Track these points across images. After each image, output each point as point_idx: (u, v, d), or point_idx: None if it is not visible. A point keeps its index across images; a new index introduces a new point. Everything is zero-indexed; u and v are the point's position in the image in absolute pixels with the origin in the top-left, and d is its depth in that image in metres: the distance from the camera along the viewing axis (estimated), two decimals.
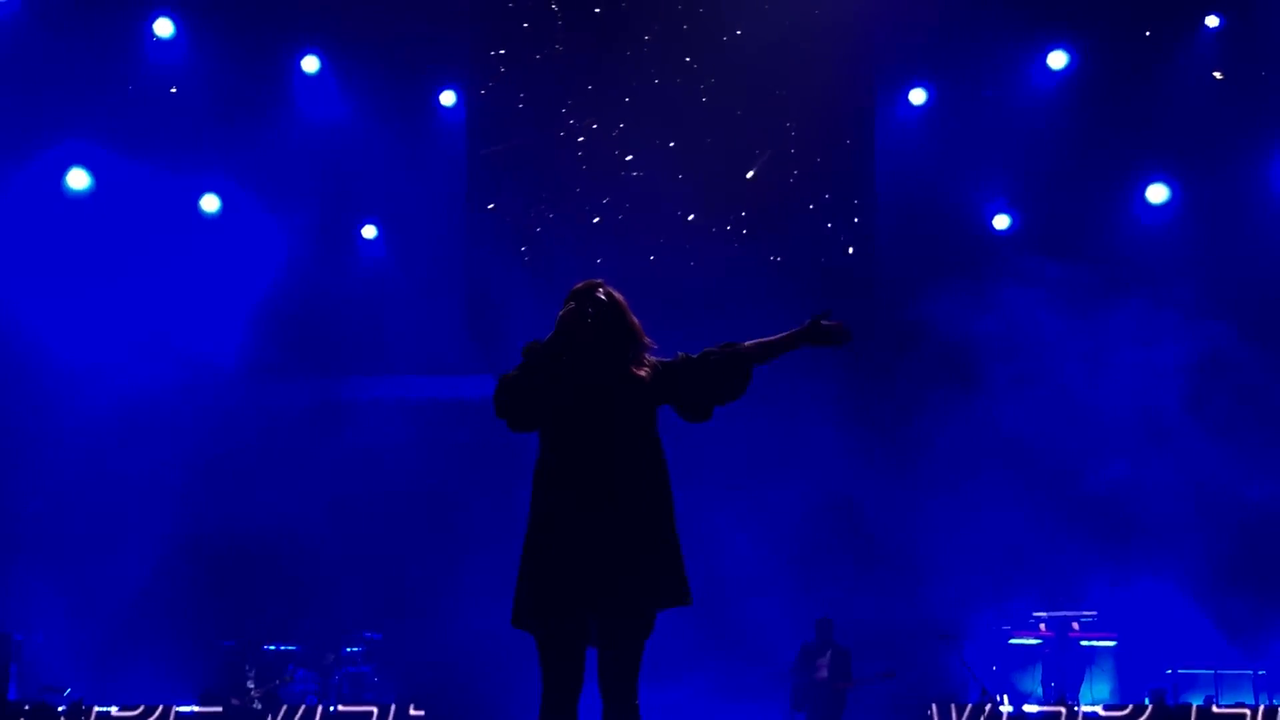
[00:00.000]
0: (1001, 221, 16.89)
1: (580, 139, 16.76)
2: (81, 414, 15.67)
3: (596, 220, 16.65)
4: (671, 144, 16.59)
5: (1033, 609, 15.00)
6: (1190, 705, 13.42)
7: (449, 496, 16.30)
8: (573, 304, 5.40)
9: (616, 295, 5.50)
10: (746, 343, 5.53)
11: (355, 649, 15.22)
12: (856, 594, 15.25)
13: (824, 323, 5.52)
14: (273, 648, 15.33)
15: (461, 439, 16.45)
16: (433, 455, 16.51)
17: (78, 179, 16.37)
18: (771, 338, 5.55)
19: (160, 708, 13.58)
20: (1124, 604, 15.00)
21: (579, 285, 5.51)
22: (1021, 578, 15.43)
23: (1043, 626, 14.98)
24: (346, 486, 16.26)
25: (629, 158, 16.62)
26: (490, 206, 16.82)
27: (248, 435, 16.35)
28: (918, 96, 16.90)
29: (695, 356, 5.47)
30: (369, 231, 17.38)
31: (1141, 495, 15.40)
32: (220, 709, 13.64)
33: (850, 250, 16.69)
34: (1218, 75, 16.17)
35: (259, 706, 13.78)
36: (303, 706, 13.33)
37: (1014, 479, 15.73)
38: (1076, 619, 14.83)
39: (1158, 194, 16.54)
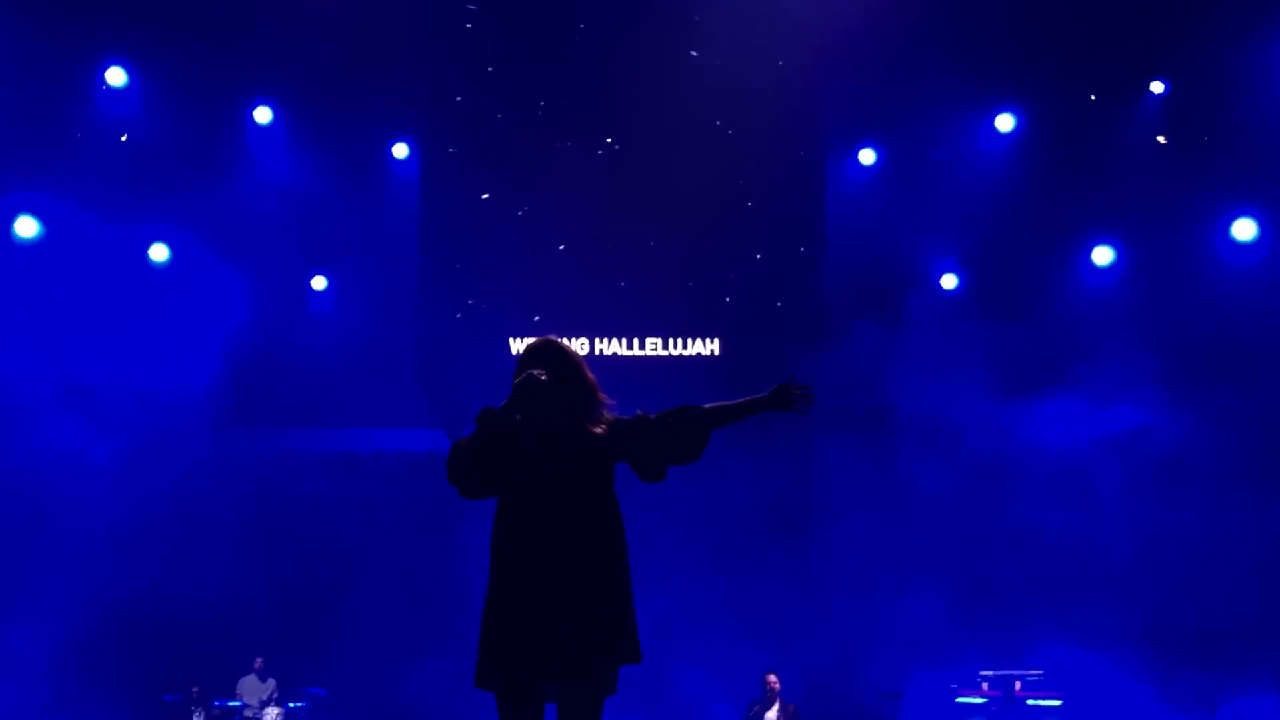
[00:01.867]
0: (949, 281, 17.05)
1: (532, 192, 16.80)
2: (22, 462, 15.47)
3: (548, 274, 16.67)
4: (624, 199, 16.66)
5: (979, 667, 15.00)
6: None
7: (397, 550, 16.19)
8: (529, 366, 5.38)
9: (571, 353, 5.50)
10: (706, 405, 5.51)
11: (300, 705, 15.06)
12: (801, 651, 15.24)
13: (790, 386, 5.51)
14: (217, 704, 15.15)
15: (410, 492, 16.38)
16: (381, 508, 16.42)
17: (26, 227, 16.26)
18: (733, 402, 5.54)
19: None
20: (1070, 664, 15.02)
21: (533, 343, 5.51)
22: (967, 635, 15.44)
23: (985, 685, 14.98)
24: (293, 539, 16.13)
25: (583, 211, 16.68)
26: (449, 263, 16.80)
27: (194, 486, 16.20)
28: (867, 157, 17.07)
29: (653, 417, 5.46)
30: (319, 283, 17.32)
31: (1088, 556, 15.50)
32: None
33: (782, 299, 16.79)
34: (1161, 139, 16.40)
35: None
36: None
37: (956, 536, 15.82)
38: (1021, 678, 14.84)
39: (1103, 256, 16.74)
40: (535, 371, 5.33)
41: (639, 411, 5.52)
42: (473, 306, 16.69)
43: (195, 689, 15.05)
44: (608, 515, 5.33)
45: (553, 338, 5.56)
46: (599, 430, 5.41)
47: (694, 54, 16.41)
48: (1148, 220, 16.35)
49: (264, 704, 15.19)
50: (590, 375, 5.48)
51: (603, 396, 5.48)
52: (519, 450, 5.32)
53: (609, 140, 16.67)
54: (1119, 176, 16.26)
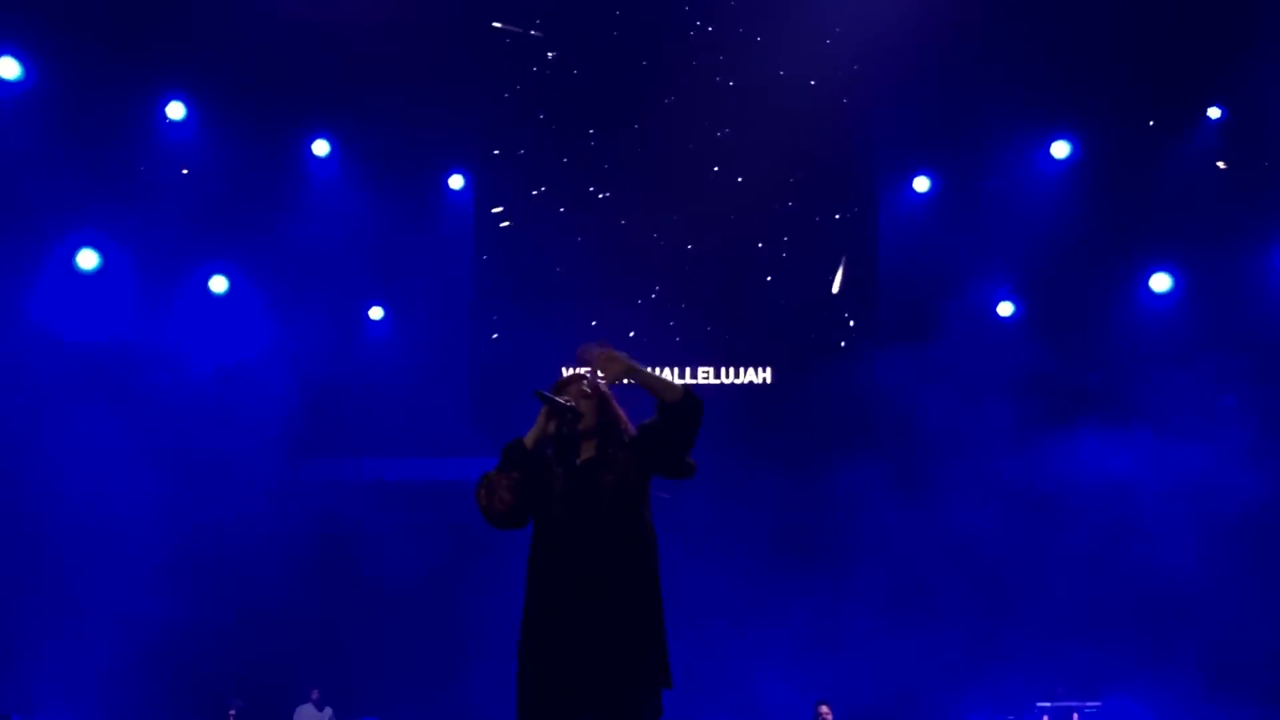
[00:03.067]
0: (1005, 309, 16.96)
1: (587, 222, 16.87)
2: (86, 495, 15.63)
3: (602, 304, 16.72)
4: (677, 228, 16.71)
5: (1036, 699, 14.87)
6: None
7: (452, 579, 16.24)
8: (564, 398, 5.44)
9: (602, 387, 5.54)
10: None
11: None
12: (855, 685, 15.15)
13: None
14: None
15: (465, 521, 16.39)
16: (436, 537, 16.48)
17: (87, 259, 16.46)
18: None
19: None
20: (1129, 695, 14.87)
21: (565, 378, 5.58)
22: (1023, 666, 15.32)
23: (1045, 718, 14.84)
24: (348, 568, 16.22)
25: (638, 237, 16.75)
26: (511, 292, 16.89)
27: (251, 515, 16.33)
28: (922, 184, 17.03)
29: (650, 432, 5.45)
30: (376, 313, 17.45)
31: (1149, 587, 15.33)
32: None
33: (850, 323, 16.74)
34: (1221, 165, 16.27)
35: None
36: None
37: (1016, 566, 15.71)
38: (1080, 709, 14.70)
39: (1161, 283, 16.62)
40: (567, 403, 5.39)
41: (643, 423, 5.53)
42: (497, 340, 16.77)
43: (232, 712, 15.11)
44: (640, 546, 5.36)
45: (583, 372, 5.60)
46: (628, 457, 5.43)
47: (781, 73, 16.42)
48: (1206, 246, 16.20)
49: None
50: (618, 410, 5.53)
51: (631, 430, 5.52)
52: (549, 482, 5.37)
53: (662, 168, 16.70)
54: (1176, 202, 16.14)
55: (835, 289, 16.64)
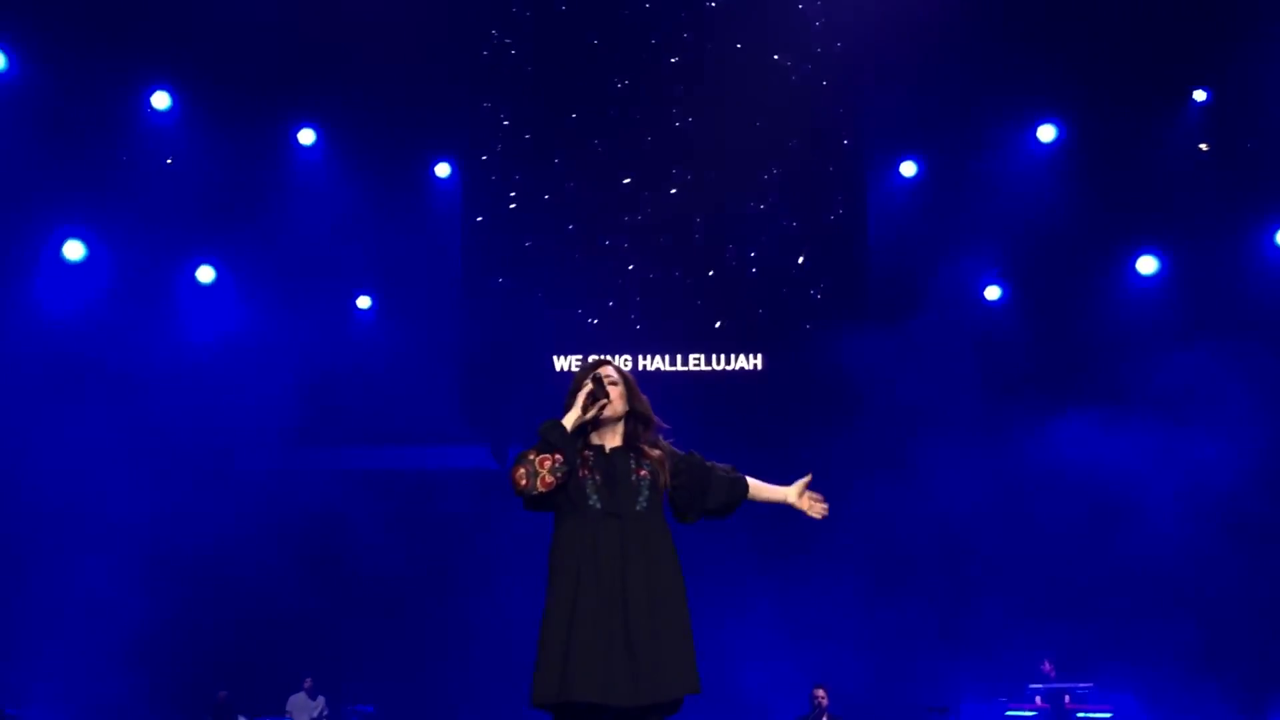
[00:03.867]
0: (992, 292, 17.00)
1: (575, 209, 16.86)
2: (74, 486, 15.61)
3: (601, 297, 16.71)
4: (666, 216, 16.70)
5: (1028, 680, 14.92)
6: None
7: (441, 566, 16.26)
8: (587, 384, 5.41)
9: (628, 376, 5.54)
10: (748, 478, 5.61)
11: None
12: (849, 667, 15.21)
13: (807, 492, 5.65)
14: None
15: (455, 509, 16.45)
16: (426, 525, 16.50)
17: (73, 249, 16.42)
18: (768, 486, 5.65)
19: None
20: (1120, 675, 14.93)
21: (589, 364, 5.54)
22: (1016, 649, 15.38)
23: (1038, 699, 14.90)
24: (338, 556, 16.23)
25: (624, 218, 16.73)
26: (494, 280, 16.87)
27: (240, 505, 16.32)
28: (909, 169, 17.05)
29: (705, 465, 5.51)
30: (363, 302, 17.44)
31: (1138, 570, 15.41)
32: None
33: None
34: (1204, 147, 16.31)
35: None
36: None
37: (1004, 550, 15.77)
38: (1071, 690, 14.76)
39: (1147, 265, 16.67)
40: (602, 391, 5.37)
41: (693, 452, 5.55)
42: (507, 332, 16.76)
43: (222, 694, 15.12)
44: (666, 538, 5.35)
45: (607, 358, 5.60)
46: (657, 454, 5.44)
47: (776, 58, 16.42)
48: (1191, 229, 16.25)
49: None
50: (643, 397, 5.52)
51: (656, 419, 5.52)
52: (580, 465, 5.34)
53: (648, 149, 16.69)
54: (1162, 185, 16.17)
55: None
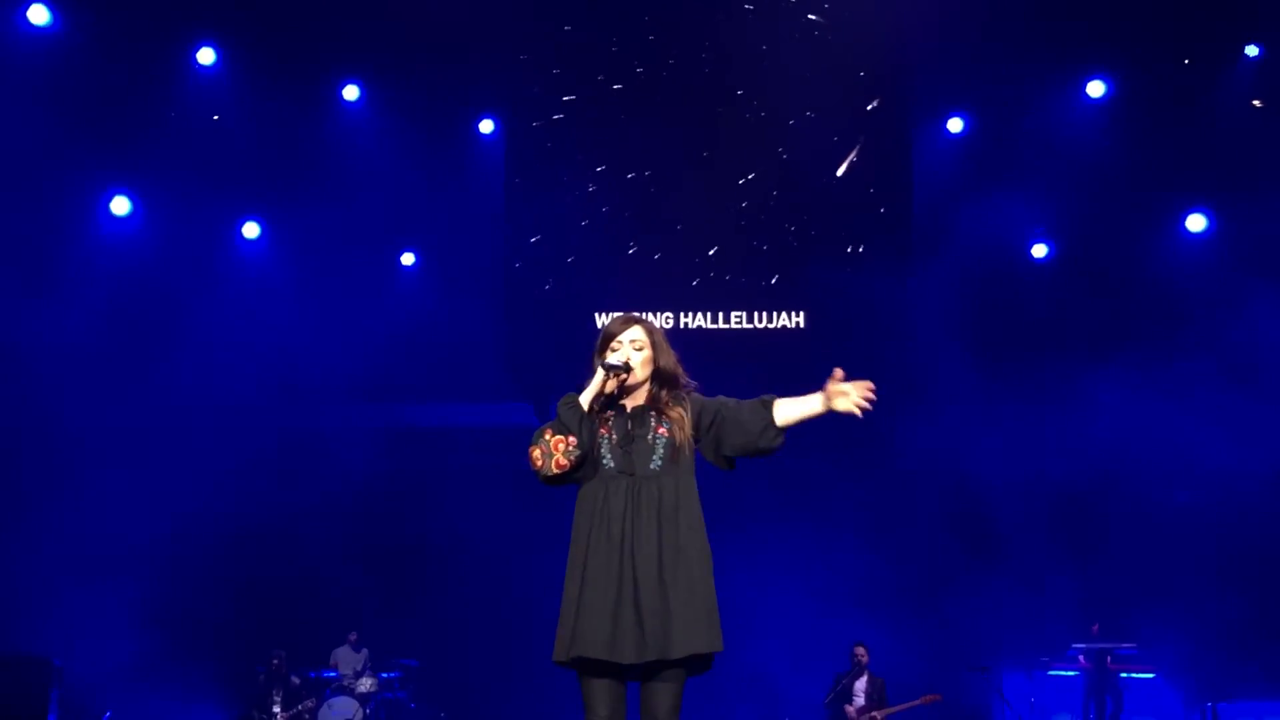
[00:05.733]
0: (1040, 250, 16.86)
1: (619, 166, 16.82)
2: (121, 436, 15.75)
3: (633, 249, 16.69)
4: (708, 172, 16.64)
5: (1071, 640, 14.89)
6: None
7: (485, 523, 16.32)
8: (615, 346, 5.40)
9: (657, 332, 5.51)
10: (781, 401, 5.43)
11: (393, 675, 15.25)
12: (888, 627, 15.22)
13: (837, 388, 5.36)
14: (312, 674, 15.39)
15: (498, 466, 16.49)
16: (469, 482, 16.56)
17: (120, 205, 16.53)
18: (798, 403, 5.43)
19: None
20: (1164, 636, 14.88)
21: (617, 322, 5.50)
22: (1059, 609, 15.34)
23: (1081, 659, 14.88)
24: (383, 513, 16.32)
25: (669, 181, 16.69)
26: (534, 239, 16.88)
27: (286, 462, 16.44)
28: (955, 125, 16.90)
29: (734, 406, 5.43)
30: (407, 259, 17.47)
31: (1183, 529, 15.32)
32: None
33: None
34: (1257, 104, 16.09)
35: None
36: None
37: (1045, 508, 15.71)
38: (1114, 651, 14.72)
39: (1196, 223, 16.49)
40: (624, 362, 5.34)
41: (721, 397, 5.50)
42: (550, 289, 16.74)
43: (275, 660, 15.24)
44: (684, 496, 5.33)
45: (636, 316, 5.56)
46: (677, 413, 5.40)
47: (824, 10, 16.30)
48: (1242, 186, 16.04)
49: (358, 674, 15.40)
50: (673, 355, 5.49)
51: (685, 377, 5.50)
52: (601, 432, 5.34)
53: (695, 107, 16.63)
54: (1213, 142, 15.96)
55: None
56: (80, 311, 15.56)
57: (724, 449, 5.44)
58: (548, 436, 5.27)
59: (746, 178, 16.67)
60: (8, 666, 13.91)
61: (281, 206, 16.91)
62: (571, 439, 5.26)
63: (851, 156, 15.82)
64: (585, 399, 5.32)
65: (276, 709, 14.72)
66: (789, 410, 5.43)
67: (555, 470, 5.26)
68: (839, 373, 5.40)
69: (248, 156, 16.56)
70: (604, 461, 5.31)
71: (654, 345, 5.44)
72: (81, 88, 15.71)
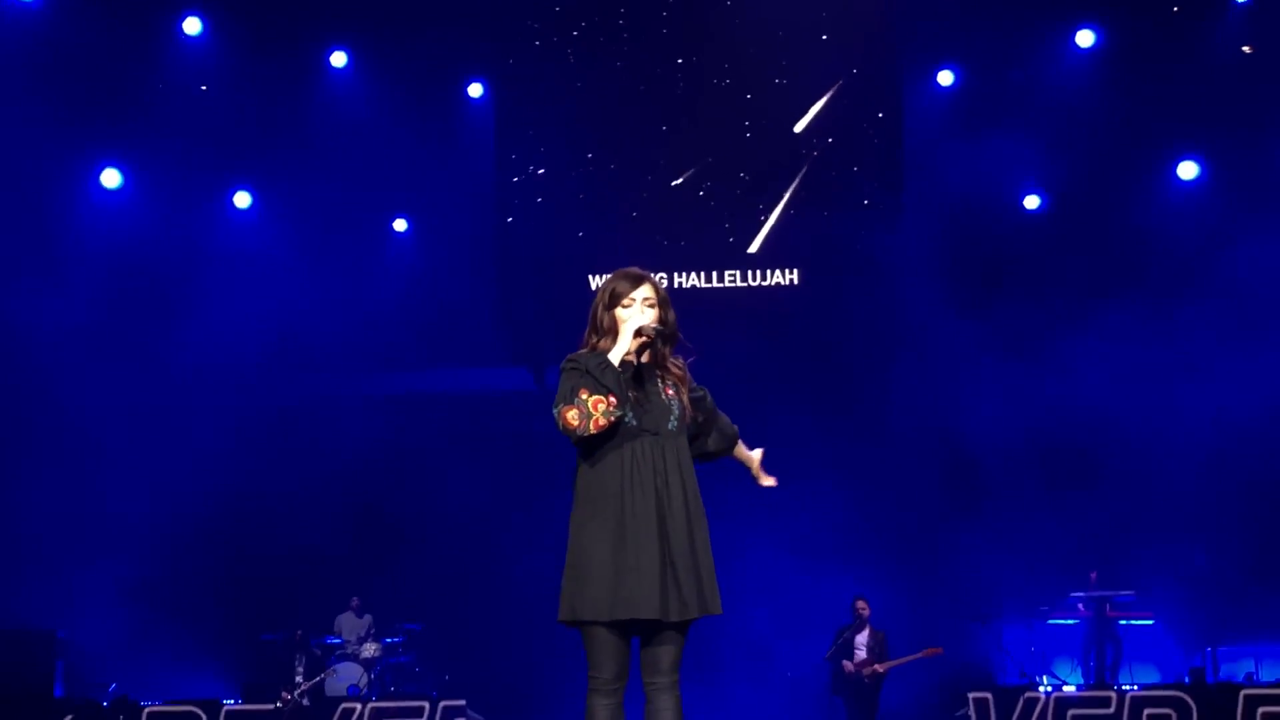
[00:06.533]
0: (1032, 201, 16.86)
1: (609, 124, 16.79)
2: (118, 410, 15.77)
3: (636, 215, 16.67)
4: (699, 129, 16.62)
5: (1070, 589, 14.98)
6: (1232, 683, 13.37)
7: (484, 488, 16.37)
8: (627, 304, 5.35)
9: (662, 289, 5.48)
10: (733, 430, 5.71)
11: (396, 640, 15.32)
12: (887, 581, 15.30)
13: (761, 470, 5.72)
14: (314, 641, 15.45)
15: (495, 430, 16.54)
16: (466, 448, 16.60)
17: (110, 177, 16.52)
18: (744, 448, 5.74)
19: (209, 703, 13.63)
20: (1161, 582, 14.97)
21: (625, 280, 5.41)
22: (1058, 558, 15.42)
23: (1080, 607, 14.97)
24: (382, 479, 16.36)
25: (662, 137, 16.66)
26: (525, 202, 16.86)
27: (287, 429, 16.49)
28: (945, 78, 16.87)
29: (714, 412, 5.59)
30: (399, 225, 17.46)
31: (1181, 476, 15.36)
32: (275, 704, 13.58)
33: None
34: (1247, 49, 16.05)
35: (307, 703, 13.82)
36: (359, 704, 13.34)
37: (1042, 457, 15.76)
38: (1113, 598, 14.81)
39: (1188, 171, 16.48)
40: (653, 325, 5.30)
41: (704, 390, 5.53)
42: (543, 252, 16.74)
43: (299, 632, 15.31)
44: (691, 464, 5.38)
45: (642, 271, 5.48)
46: (678, 373, 5.42)
47: None
48: (1233, 132, 16.03)
49: (361, 639, 15.46)
50: (673, 314, 5.47)
51: (684, 341, 5.50)
52: (628, 393, 5.27)
53: (683, 62, 16.59)
54: (1203, 89, 15.92)
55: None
56: (75, 287, 15.56)
57: (705, 444, 5.55)
58: (584, 396, 5.15)
59: (739, 134, 16.63)
60: (13, 640, 13.98)
61: (272, 176, 16.90)
62: (612, 399, 5.16)
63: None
64: (615, 357, 5.24)
65: (299, 678, 14.80)
66: (739, 451, 5.73)
67: (594, 430, 5.14)
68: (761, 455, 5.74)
69: (237, 126, 16.55)
70: (627, 419, 5.27)
71: (662, 303, 5.41)
72: (68, 61, 15.68)
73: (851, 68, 16.59)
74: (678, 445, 5.30)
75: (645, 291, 5.37)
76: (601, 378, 5.17)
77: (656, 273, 16.06)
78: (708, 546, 5.27)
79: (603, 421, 5.15)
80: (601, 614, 5.13)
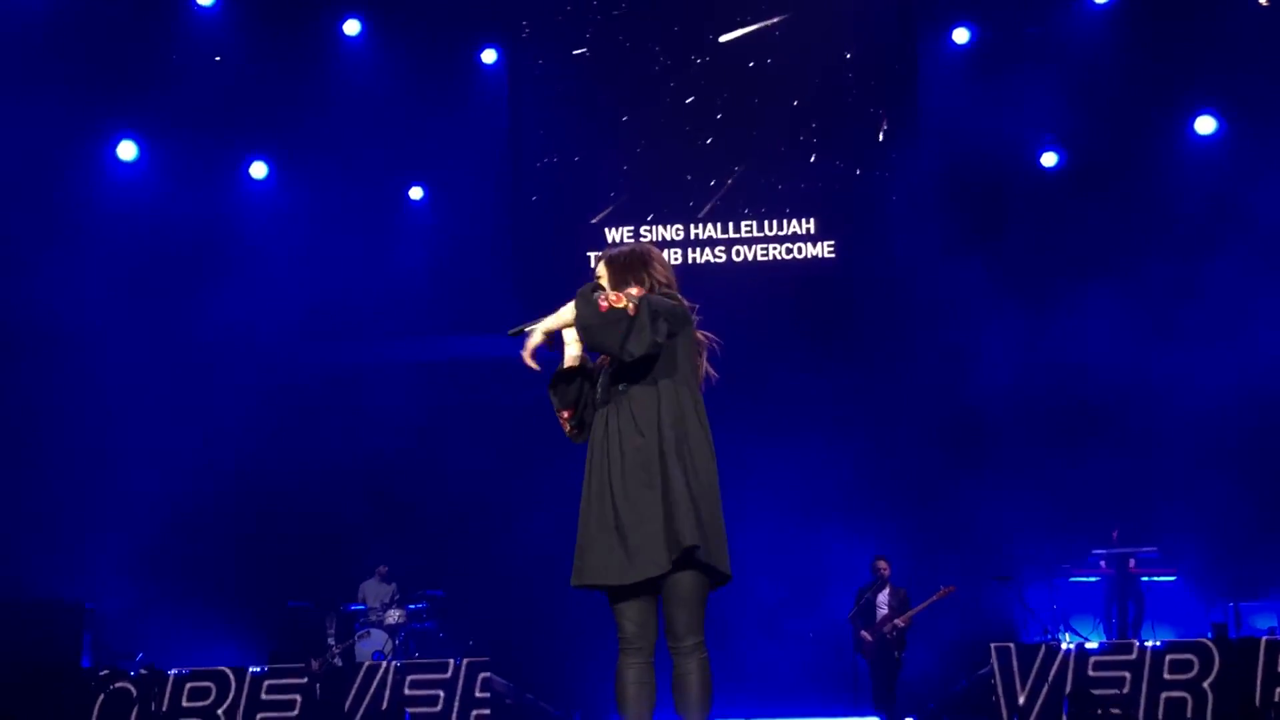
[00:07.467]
0: (1049, 159, 16.78)
1: (623, 91, 16.78)
2: (140, 381, 15.84)
3: (641, 160, 16.66)
4: (716, 84, 16.61)
5: (1092, 546, 14.96)
6: (1255, 638, 13.32)
7: (503, 455, 16.41)
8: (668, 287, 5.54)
9: (613, 267, 5.69)
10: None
11: (420, 606, 15.39)
12: (910, 539, 15.30)
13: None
14: (340, 608, 15.55)
15: (513, 397, 16.55)
16: (486, 415, 16.63)
17: (126, 150, 16.56)
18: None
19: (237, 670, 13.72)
20: (1184, 539, 14.93)
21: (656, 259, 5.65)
22: (1079, 516, 15.39)
23: (1102, 564, 14.95)
24: (403, 446, 16.40)
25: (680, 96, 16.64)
26: (541, 163, 16.86)
27: (306, 399, 16.53)
28: (961, 35, 16.78)
29: (640, 330, 5.47)
30: (415, 193, 17.46)
31: (1203, 432, 15.31)
32: (304, 668, 13.65)
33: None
34: (1264, 2, 15.92)
35: (339, 663, 13.92)
36: (383, 663, 13.39)
37: (1062, 415, 15.75)
38: (1135, 555, 14.78)
39: (1205, 126, 16.37)
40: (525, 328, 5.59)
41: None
42: (538, 204, 16.76)
43: (330, 598, 15.40)
44: (656, 410, 5.39)
45: (598, 270, 5.72)
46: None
47: None
48: (1251, 87, 15.91)
49: (386, 606, 15.54)
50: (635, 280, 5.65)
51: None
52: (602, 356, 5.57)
53: (698, 28, 16.56)
54: (1220, 44, 15.80)
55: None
56: (92, 260, 15.62)
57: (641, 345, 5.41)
58: (556, 410, 5.62)
59: (751, 99, 16.60)
60: (42, 611, 14.05)
61: (288, 145, 16.92)
62: (566, 414, 5.59)
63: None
64: (567, 363, 5.59)
65: (331, 640, 14.93)
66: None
67: (578, 440, 5.59)
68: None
69: (251, 97, 16.57)
70: (598, 394, 5.58)
71: (613, 276, 5.60)
72: (84, 34, 15.68)
73: (867, 27, 16.53)
74: (631, 403, 5.39)
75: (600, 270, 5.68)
76: (554, 393, 5.57)
77: (673, 225, 16.21)
78: (657, 501, 5.23)
79: (573, 430, 5.61)
80: (574, 581, 5.36)
